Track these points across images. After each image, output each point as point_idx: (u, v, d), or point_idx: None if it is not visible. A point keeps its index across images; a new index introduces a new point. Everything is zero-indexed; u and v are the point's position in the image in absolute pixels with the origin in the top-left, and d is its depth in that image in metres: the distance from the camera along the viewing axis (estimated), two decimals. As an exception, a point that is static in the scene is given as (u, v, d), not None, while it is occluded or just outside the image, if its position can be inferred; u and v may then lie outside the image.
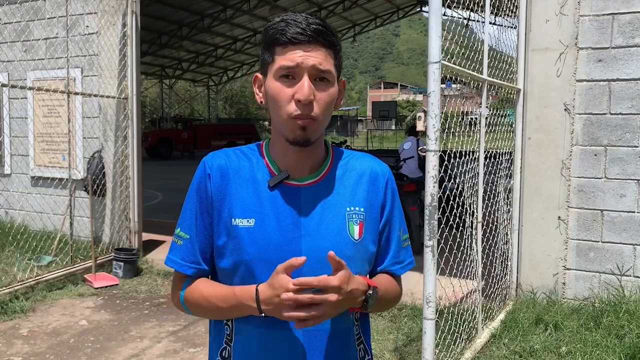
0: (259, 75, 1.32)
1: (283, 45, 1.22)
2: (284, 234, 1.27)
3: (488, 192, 4.35)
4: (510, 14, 4.69)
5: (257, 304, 1.20)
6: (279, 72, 1.23)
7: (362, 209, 1.33)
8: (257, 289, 1.21)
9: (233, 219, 1.28)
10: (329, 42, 1.24)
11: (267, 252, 1.26)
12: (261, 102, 1.32)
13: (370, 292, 1.24)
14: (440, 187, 2.97)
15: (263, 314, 1.21)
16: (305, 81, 1.21)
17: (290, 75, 1.22)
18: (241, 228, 1.27)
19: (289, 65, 1.21)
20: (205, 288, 1.31)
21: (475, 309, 4.14)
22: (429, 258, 2.84)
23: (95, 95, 6.62)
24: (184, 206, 1.35)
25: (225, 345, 1.35)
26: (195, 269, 1.33)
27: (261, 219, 1.28)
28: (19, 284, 5.43)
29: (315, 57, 1.21)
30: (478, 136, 4.12)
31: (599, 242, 4.58)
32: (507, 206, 4.85)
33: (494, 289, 4.57)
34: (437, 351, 3.46)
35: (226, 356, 1.34)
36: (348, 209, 1.32)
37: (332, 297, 1.14)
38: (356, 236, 1.31)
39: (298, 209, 1.29)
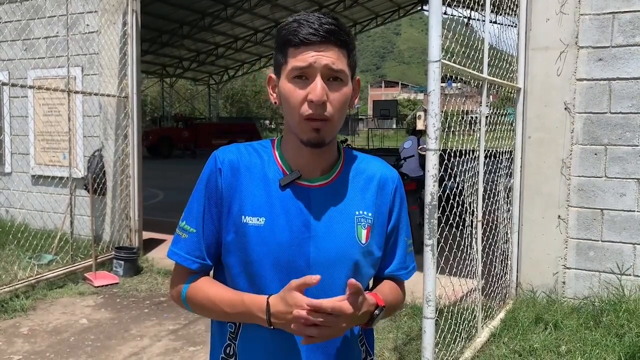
0: (273, 76, 1.31)
1: (295, 46, 1.21)
2: (293, 234, 1.27)
3: (488, 191, 4.35)
4: (510, 13, 4.69)
5: (267, 316, 1.20)
6: (292, 73, 1.22)
7: (370, 214, 1.33)
8: (268, 301, 1.20)
9: (243, 217, 1.27)
10: (342, 41, 1.23)
11: (276, 251, 1.26)
12: (275, 102, 1.31)
13: (377, 312, 1.25)
14: (440, 186, 2.97)
15: (272, 327, 1.21)
16: (318, 82, 1.20)
17: (303, 76, 1.21)
18: (251, 226, 1.27)
19: (302, 65, 1.20)
20: (211, 290, 1.30)
21: (475, 308, 4.14)
22: (429, 257, 2.84)
23: (96, 94, 6.62)
24: (191, 199, 1.33)
25: (229, 342, 1.34)
26: (200, 264, 1.32)
27: (271, 218, 1.27)
28: (20, 282, 5.44)
29: (328, 57, 1.20)
30: (478, 135, 4.12)
31: (599, 241, 4.58)
32: (507, 205, 4.85)
33: (493, 288, 4.58)
34: (437, 350, 3.46)
35: (230, 353, 1.34)
36: (357, 212, 1.32)
37: (343, 323, 1.16)
38: (363, 240, 1.31)
39: (308, 210, 1.28)
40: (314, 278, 1.14)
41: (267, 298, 1.21)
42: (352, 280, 1.14)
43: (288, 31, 1.22)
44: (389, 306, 1.34)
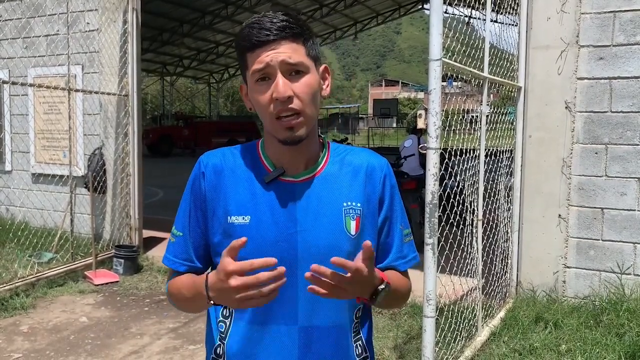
0: (243, 85, 1.33)
1: (251, 50, 1.23)
2: (279, 230, 1.27)
3: (489, 190, 4.34)
4: (511, 12, 4.68)
5: (206, 291, 1.16)
6: (254, 77, 1.24)
7: (358, 204, 1.33)
8: (207, 276, 1.18)
9: (229, 217, 1.29)
10: (295, 34, 1.23)
11: (263, 248, 1.26)
12: (250, 108, 1.33)
13: (382, 286, 1.22)
14: (440, 184, 2.97)
15: (212, 302, 1.17)
16: (279, 79, 1.21)
17: (266, 77, 1.23)
18: (237, 225, 1.28)
19: (260, 67, 1.22)
20: (179, 280, 1.33)
21: (476, 307, 4.14)
22: (430, 256, 2.84)
23: (96, 92, 6.62)
24: (180, 205, 1.37)
25: (219, 342, 1.35)
26: (188, 266, 1.34)
27: (256, 216, 1.28)
28: (20, 280, 5.44)
29: (283, 52, 1.21)
30: (479, 134, 4.12)
31: (599, 240, 4.57)
32: (508, 204, 4.85)
33: (494, 286, 4.57)
34: (437, 349, 3.46)
35: (220, 353, 1.35)
36: (345, 204, 1.32)
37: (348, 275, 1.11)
38: (353, 231, 1.31)
39: (294, 205, 1.29)
40: (240, 240, 1.09)
41: (207, 273, 1.18)
42: (368, 242, 1.12)
43: (242, 38, 1.24)
44: (395, 289, 1.31)
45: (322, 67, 1.32)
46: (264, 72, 1.22)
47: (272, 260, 1.07)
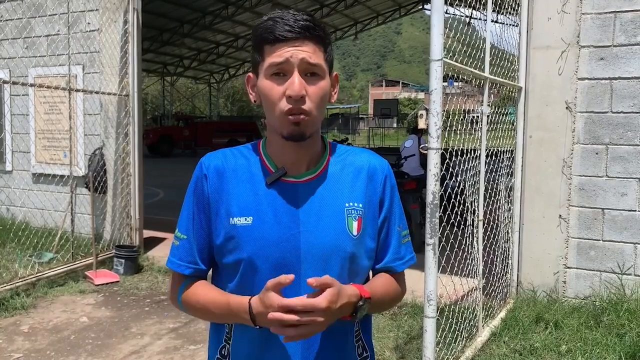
0: (252, 75, 1.32)
1: (271, 43, 1.22)
2: (282, 230, 1.27)
3: (489, 190, 4.35)
4: (512, 12, 4.68)
5: (251, 317, 1.21)
6: (269, 70, 1.23)
7: (360, 205, 1.33)
8: (250, 303, 1.21)
9: (231, 218, 1.29)
10: (318, 36, 1.24)
11: (266, 249, 1.26)
12: (254, 101, 1.32)
13: (361, 303, 1.23)
14: (441, 185, 2.97)
15: (258, 326, 1.21)
16: (296, 76, 1.21)
17: (281, 73, 1.23)
18: (239, 226, 1.28)
19: (279, 61, 1.21)
20: (201, 293, 1.32)
21: (476, 307, 4.14)
22: (430, 256, 2.84)
23: (97, 92, 6.62)
24: (182, 207, 1.36)
25: (224, 343, 1.35)
26: (193, 269, 1.34)
27: (259, 216, 1.28)
28: (20, 280, 5.44)
29: (305, 51, 1.22)
30: (479, 134, 4.12)
31: (599, 240, 4.57)
32: (508, 204, 4.85)
33: (494, 287, 4.58)
34: (438, 349, 3.46)
35: (225, 354, 1.35)
36: (347, 204, 1.32)
37: (319, 318, 1.14)
38: (355, 232, 1.31)
39: (296, 205, 1.29)
40: (288, 277, 1.14)
41: (249, 299, 1.21)
42: (310, 280, 1.14)
43: (264, 29, 1.24)
44: (379, 299, 1.32)
45: (333, 74, 1.33)
46: (281, 67, 1.22)
47: (320, 303, 1.13)
